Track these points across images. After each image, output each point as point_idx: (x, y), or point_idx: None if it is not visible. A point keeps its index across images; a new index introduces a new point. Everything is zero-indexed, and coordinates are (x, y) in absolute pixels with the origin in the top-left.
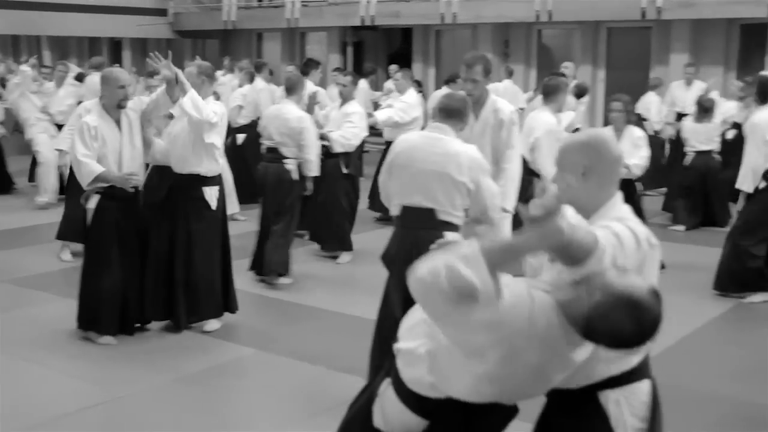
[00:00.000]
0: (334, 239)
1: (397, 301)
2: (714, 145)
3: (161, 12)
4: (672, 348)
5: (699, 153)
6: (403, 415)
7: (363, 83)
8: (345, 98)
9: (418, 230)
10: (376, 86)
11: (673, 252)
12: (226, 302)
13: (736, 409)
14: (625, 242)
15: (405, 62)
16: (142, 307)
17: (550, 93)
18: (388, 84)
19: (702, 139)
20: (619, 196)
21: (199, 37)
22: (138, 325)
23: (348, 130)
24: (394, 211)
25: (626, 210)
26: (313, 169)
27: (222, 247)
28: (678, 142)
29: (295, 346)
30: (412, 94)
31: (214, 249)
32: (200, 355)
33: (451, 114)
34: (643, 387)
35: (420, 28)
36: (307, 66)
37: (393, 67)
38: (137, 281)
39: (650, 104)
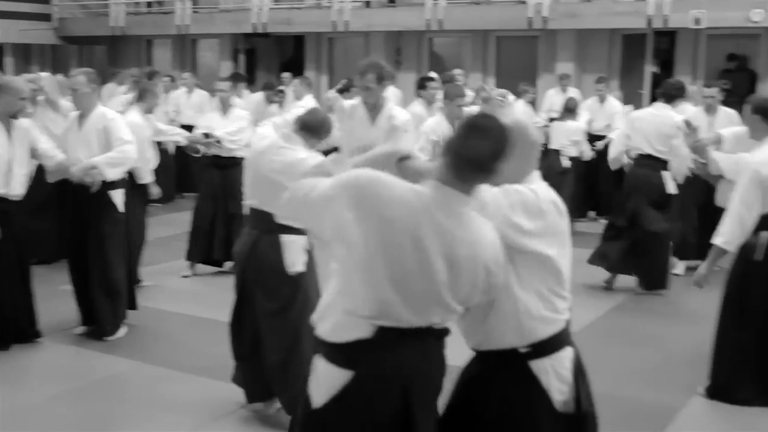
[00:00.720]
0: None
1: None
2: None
3: (45, 17)
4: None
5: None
6: (331, 377)
7: (259, 95)
8: (225, 104)
9: (259, 232)
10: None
11: None
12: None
13: (632, 408)
14: (521, 197)
15: (298, 70)
16: (30, 320)
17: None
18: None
19: (564, 138)
20: (536, 174)
21: (85, 43)
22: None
23: (232, 128)
24: (246, 210)
25: (542, 185)
26: (146, 177)
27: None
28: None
29: (175, 357)
30: (309, 101)
31: (123, 251)
32: (78, 370)
33: (306, 128)
34: (566, 354)
35: (312, 36)
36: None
37: (285, 75)
38: (19, 293)
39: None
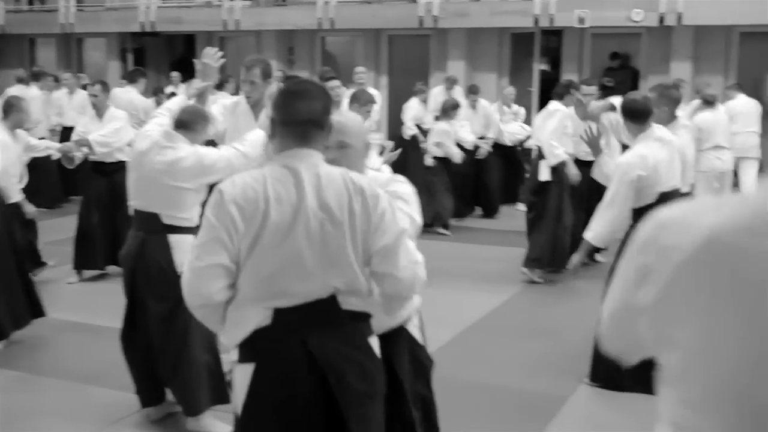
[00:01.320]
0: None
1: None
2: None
3: None
4: (452, 342)
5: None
6: (240, 376)
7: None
8: (99, 109)
9: (145, 233)
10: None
11: (432, 248)
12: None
13: (520, 400)
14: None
15: (188, 69)
16: None
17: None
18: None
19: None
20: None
21: None
22: None
23: (105, 130)
24: (131, 211)
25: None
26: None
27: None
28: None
29: (63, 365)
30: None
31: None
32: None
33: (180, 125)
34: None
35: (203, 35)
36: (133, 74)
37: (174, 74)
38: None
39: (408, 109)
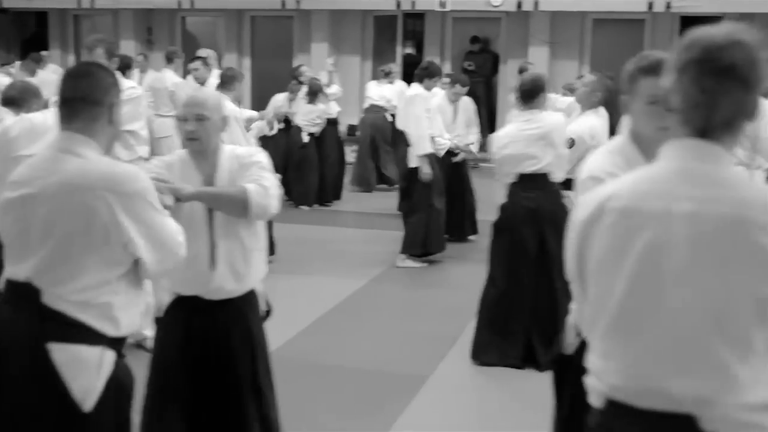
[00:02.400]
0: None
1: None
2: (316, 128)
3: None
4: (313, 325)
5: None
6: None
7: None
8: None
9: None
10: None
11: (297, 231)
12: None
13: (381, 382)
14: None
15: (41, 49)
16: None
17: (227, 82)
18: None
19: (309, 118)
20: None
21: None
22: None
23: None
24: None
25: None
26: None
27: None
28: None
29: None
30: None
31: None
32: None
33: (7, 102)
34: None
35: (56, 13)
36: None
37: (36, 55)
38: None
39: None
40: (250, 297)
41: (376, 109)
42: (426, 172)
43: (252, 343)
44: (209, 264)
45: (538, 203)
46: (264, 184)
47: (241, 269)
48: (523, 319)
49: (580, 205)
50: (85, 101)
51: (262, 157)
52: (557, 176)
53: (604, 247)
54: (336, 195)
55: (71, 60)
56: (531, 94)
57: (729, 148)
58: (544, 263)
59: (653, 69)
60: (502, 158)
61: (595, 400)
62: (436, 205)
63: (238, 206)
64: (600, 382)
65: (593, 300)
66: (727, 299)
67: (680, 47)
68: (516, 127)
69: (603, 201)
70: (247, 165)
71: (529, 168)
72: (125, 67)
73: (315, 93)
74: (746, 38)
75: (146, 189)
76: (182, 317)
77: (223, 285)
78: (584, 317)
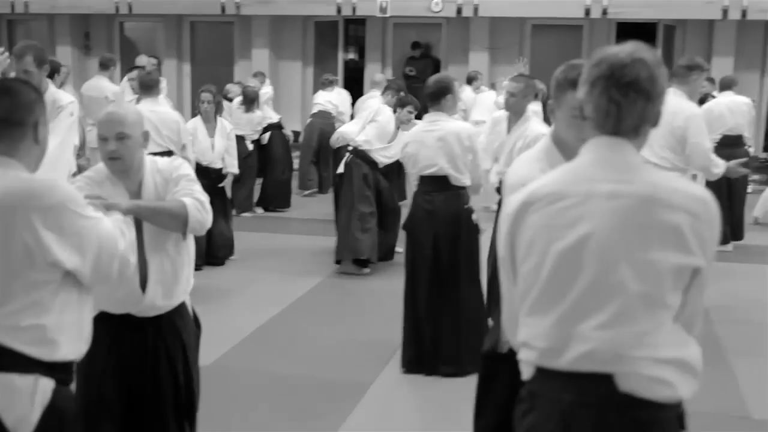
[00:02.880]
0: None
1: None
2: (257, 136)
3: None
4: (255, 333)
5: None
6: None
7: None
8: None
9: None
10: None
11: (237, 239)
12: None
13: (323, 389)
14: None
15: None
16: None
17: (149, 87)
18: None
19: (245, 127)
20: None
21: None
22: None
23: None
24: None
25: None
26: None
27: None
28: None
29: None
30: None
31: None
32: None
33: None
34: None
35: None
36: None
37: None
38: None
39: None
40: (181, 310)
41: (323, 115)
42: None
43: (185, 357)
44: (140, 282)
45: (435, 206)
46: (199, 198)
47: (171, 285)
48: (427, 325)
49: (509, 202)
50: (8, 122)
51: (188, 169)
52: (461, 181)
53: (534, 227)
54: (285, 201)
55: None
56: (436, 96)
57: (638, 148)
58: (440, 268)
59: None
60: (403, 157)
61: (525, 372)
62: (361, 210)
63: (177, 221)
64: (529, 352)
65: (524, 279)
66: (645, 265)
67: (590, 63)
68: (419, 128)
69: (532, 191)
70: (175, 179)
71: (427, 170)
72: (53, 72)
73: (252, 100)
74: (647, 56)
75: (67, 198)
76: (111, 334)
77: (155, 302)
78: (514, 299)
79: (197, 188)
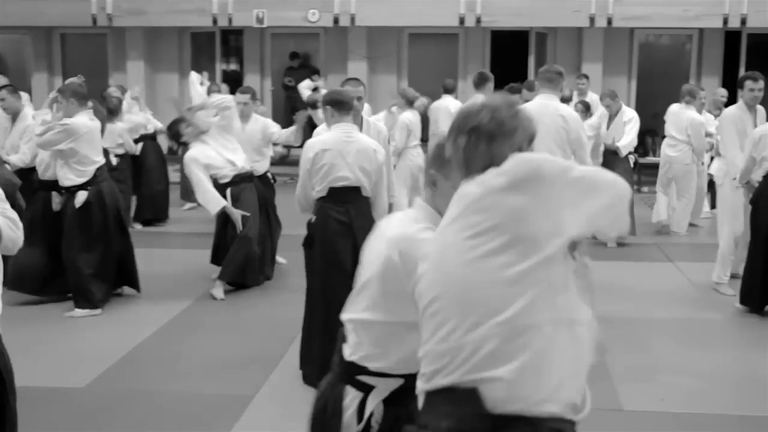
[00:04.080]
0: None
1: None
2: (121, 149)
3: None
4: (134, 351)
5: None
6: None
7: None
8: None
9: None
10: None
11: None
12: None
13: (204, 404)
14: None
15: None
16: None
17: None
18: None
19: (106, 140)
20: None
21: None
22: None
23: None
24: None
25: None
26: None
27: None
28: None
29: None
30: None
31: None
32: None
33: None
34: None
35: None
36: None
37: None
38: None
39: None
40: None
41: None
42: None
43: (3, 380)
44: None
45: (350, 218)
46: (11, 216)
47: None
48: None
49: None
50: None
51: None
52: (370, 193)
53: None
54: (163, 214)
55: None
56: (349, 107)
57: None
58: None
59: None
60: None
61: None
62: (246, 233)
63: None
64: (420, 380)
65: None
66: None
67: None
68: (331, 138)
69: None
70: None
71: (339, 182)
72: None
73: (113, 112)
74: (496, 103)
75: None
76: None
77: None
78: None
79: (8, 206)
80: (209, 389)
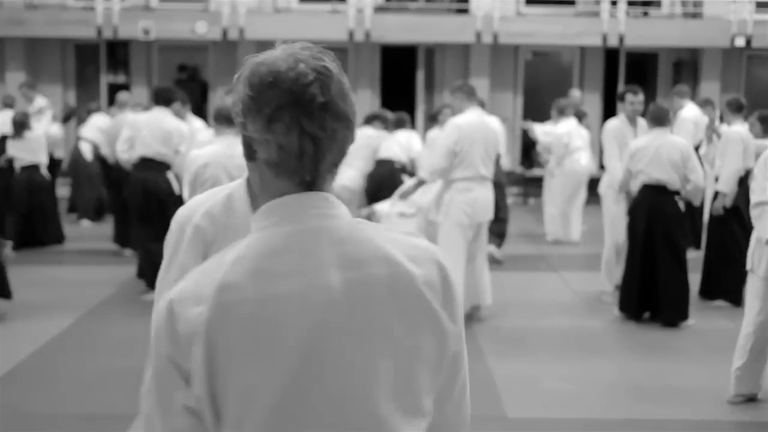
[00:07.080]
0: None
1: None
2: (41, 158)
3: None
4: (15, 371)
5: (24, 167)
6: None
7: None
8: None
9: None
10: None
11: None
12: None
13: (90, 425)
14: None
15: None
16: None
17: None
18: None
19: (25, 151)
20: None
21: None
22: None
23: None
24: None
25: None
26: None
27: None
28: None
29: None
30: None
31: None
32: None
33: None
34: None
35: None
36: None
37: None
38: None
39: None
40: None
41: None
42: None
43: None
44: None
45: None
46: None
47: None
48: None
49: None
50: None
51: None
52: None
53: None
54: (55, 233)
55: None
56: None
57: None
58: None
59: None
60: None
61: None
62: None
63: None
64: None
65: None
66: (403, 374)
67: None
68: (213, 150)
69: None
70: None
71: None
72: None
73: (21, 125)
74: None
75: None
76: None
77: None
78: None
79: None
80: (94, 409)
